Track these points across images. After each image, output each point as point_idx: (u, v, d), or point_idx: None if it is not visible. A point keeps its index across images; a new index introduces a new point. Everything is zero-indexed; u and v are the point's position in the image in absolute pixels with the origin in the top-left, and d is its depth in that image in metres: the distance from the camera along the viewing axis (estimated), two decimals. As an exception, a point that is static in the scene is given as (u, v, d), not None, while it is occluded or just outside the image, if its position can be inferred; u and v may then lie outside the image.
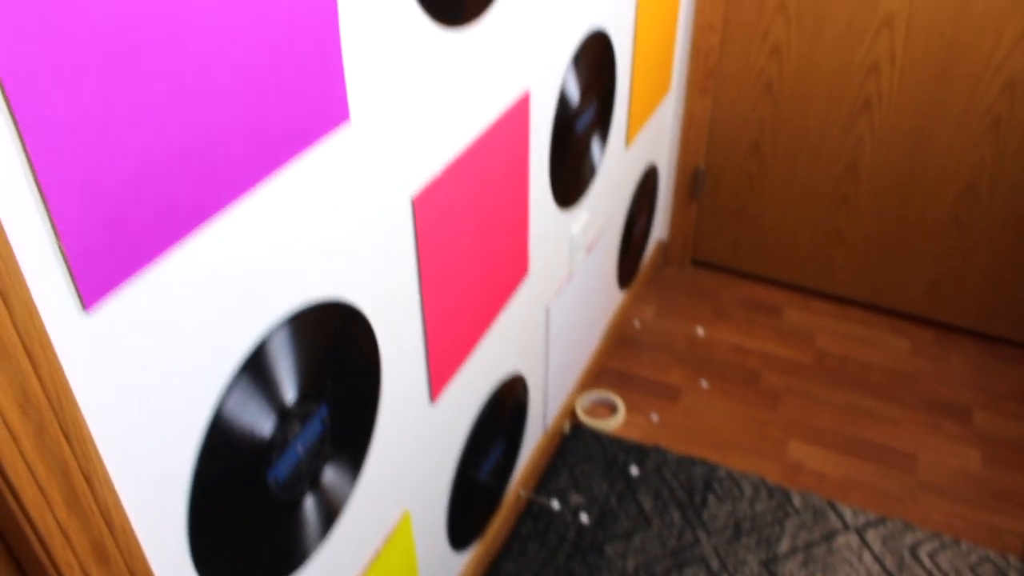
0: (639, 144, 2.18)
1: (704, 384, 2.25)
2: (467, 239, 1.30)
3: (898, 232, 2.38)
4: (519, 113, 1.38)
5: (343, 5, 0.89)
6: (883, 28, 2.11)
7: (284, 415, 0.95)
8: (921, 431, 2.12)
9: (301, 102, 0.85)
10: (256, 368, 0.89)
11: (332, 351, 1.03)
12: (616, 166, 2.03)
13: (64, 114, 0.61)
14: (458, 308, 1.34)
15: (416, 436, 1.33)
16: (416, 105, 1.09)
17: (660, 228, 2.67)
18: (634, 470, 1.98)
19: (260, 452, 0.93)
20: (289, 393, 0.96)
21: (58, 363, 0.65)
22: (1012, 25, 1.98)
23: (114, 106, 0.64)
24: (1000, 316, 2.38)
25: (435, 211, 1.19)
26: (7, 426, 0.62)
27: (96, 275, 0.67)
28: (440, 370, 1.34)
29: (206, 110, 0.73)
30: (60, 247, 0.63)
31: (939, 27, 2.06)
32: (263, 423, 0.92)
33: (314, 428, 1.02)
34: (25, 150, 0.59)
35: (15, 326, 0.61)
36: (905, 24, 2.09)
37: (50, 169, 0.61)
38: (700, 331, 2.43)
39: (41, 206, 0.61)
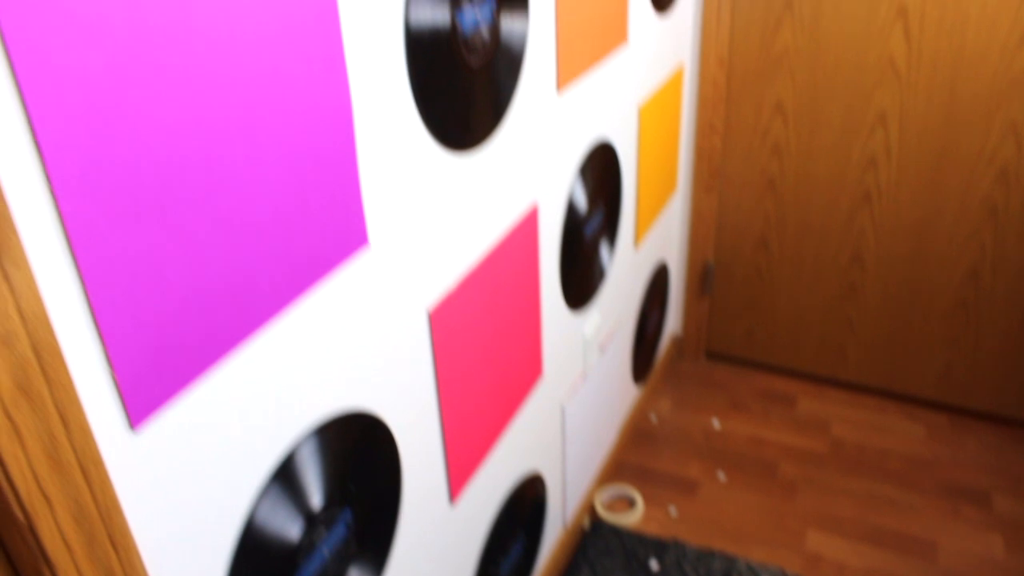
0: (648, 243, 2.26)
1: (721, 476, 2.27)
2: (482, 346, 1.38)
3: (907, 318, 2.43)
4: (528, 225, 1.47)
5: (360, 140, 0.98)
6: (877, 125, 2.21)
7: (311, 520, 1.01)
8: (941, 517, 2.12)
9: (324, 232, 0.94)
10: (285, 476, 0.96)
11: (356, 458, 1.10)
12: (626, 266, 2.11)
13: (119, 257, 0.69)
14: (475, 412, 1.40)
15: (437, 536, 1.38)
16: (430, 226, 1.18)
17: (673, 322, 2.73)
18: (654, 564, 2.00)
19: (289, 555, 0.98)
20: (316, 499, 1.02)
21: (108, 478, 0.72)
22: (999, 118, 2.07)
23: (162, 248, 0.73)
24: (1014, 398, 2.40)
25: (450, 322, 1.27)
26: (63, 538, 0.69)
27: (142, 398, 0.74)
28: (459, 472, 1.39)
29: (241, 247, 0.82)
30: (112, 375, 0.71)
31: (930, 122, 2.15)
32: (291, 528, 0.98)
33: (339, 532, 1.08)
34: (84, 289, 0.67)
35: (72, 447, 0.68)
36: (898, 120, 2.18)
37: (105, 305, 0.69)
38: (716, 423, 2.47)
39: (96, 339, 0.69)
